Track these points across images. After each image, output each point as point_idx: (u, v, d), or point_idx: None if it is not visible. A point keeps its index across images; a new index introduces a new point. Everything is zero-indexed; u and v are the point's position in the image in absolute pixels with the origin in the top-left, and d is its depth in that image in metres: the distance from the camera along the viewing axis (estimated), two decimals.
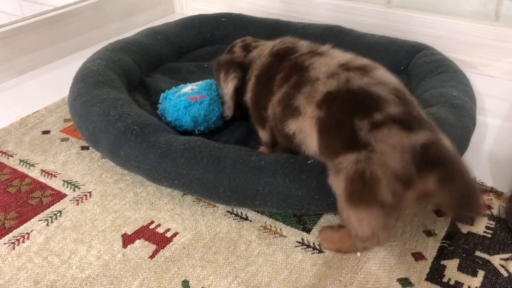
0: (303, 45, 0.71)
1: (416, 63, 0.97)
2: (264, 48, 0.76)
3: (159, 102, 0.84)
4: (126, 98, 0.80)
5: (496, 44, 1.01)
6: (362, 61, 0.63)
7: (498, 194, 0.69)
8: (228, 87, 0.76)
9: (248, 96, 0.73)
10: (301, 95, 0.61)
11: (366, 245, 0.58)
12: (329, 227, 0.64)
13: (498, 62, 1.02)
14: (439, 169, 0.51)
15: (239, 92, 0.76)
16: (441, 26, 1.05)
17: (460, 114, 0.75)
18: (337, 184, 0.55)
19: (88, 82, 0.82)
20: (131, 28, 1.34)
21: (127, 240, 0.64)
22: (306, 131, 0.60)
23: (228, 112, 0.79)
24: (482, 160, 0.77)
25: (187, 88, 0.82)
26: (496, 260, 0.59)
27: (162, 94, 0.84)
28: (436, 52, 0.98)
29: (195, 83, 0.84)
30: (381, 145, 0.52)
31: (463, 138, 0.72)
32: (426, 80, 0.90)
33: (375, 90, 0.56)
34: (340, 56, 0.65)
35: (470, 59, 1.04)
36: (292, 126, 0.62)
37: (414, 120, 0.53)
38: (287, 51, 0.70)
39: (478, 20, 1.03)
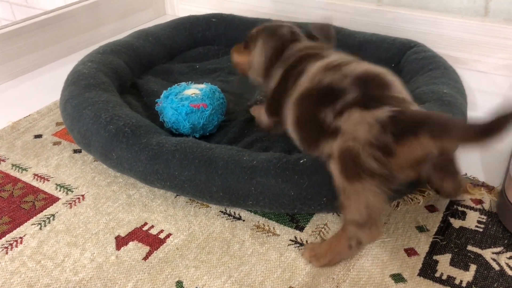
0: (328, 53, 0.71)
1: (407, 60, 0.97)
2: (299, 47, 0.76)
3: (160, 99, 0.82)
4: (118, 100, 0.80)
5: (486, 40, 1.01)
6: (343, 59, 0.67)
7: (489, 188, 0.70)
8: (265, 55, 0.77)
9: (271, 84, 0.75)
10: (290, 98, 0.67)
11: (360, 236, 0.57)
12: (312, 244, 0.62)
13: (489, 58, 1.02)
14: (426, 128, 0.53)
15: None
16: (431, 23, 1.06)
17: (451, 112, 0.75)
18: (334, 167, 0.58)
19: (79, 85, 0.82)
20: (122, 30, 1.34)
21: (121, 242, 0.64)
22: (290, 129, 0.68)
23: (255, 77, 0.80)
24: (473, 155, 0.78)
25: (190, 91, 0.81)
26: (487, 254, 0.59)
27: (165, 91, 0.82)
28: (426, 49, 0.98)
29: (199, 86, 0.83)
30: (347, 125, 0.58)
31: None
32: (417, 77, 0.90)
33: (337, 84, 0.61)
34: (331, 57, 0.69)
35: (460, 55, 1.05)
36: (287, 126, 0.69)
37: (373, 100, 0.58)
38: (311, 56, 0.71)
39: (467, 16, 1.04)
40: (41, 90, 1.05)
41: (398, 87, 0.62)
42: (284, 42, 0.77)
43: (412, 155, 0.55)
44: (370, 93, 0.60)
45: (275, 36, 0.78)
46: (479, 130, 0.51)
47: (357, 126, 0.56)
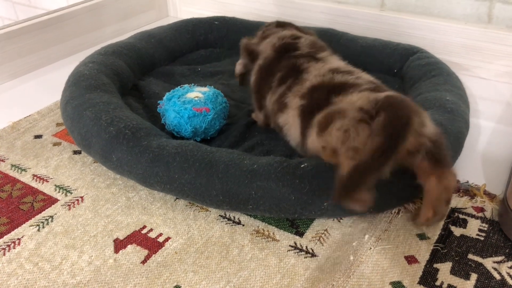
0: (304, 43, 0.78)
1: (409, 66, 0.97)
2: (271, 40, 0.82)
3: (162, 100, 0.82)
4: (119, 102, 0.80)
5: (488, 47, 1.01)
6: (350, 68, 0.72)
7: (491, 196, 0.69)
8: (236, 69, 0.88)
9: (252, 80, 0.81)
10: (290, 93, 0.70)
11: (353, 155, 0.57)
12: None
13: (491, 65, 1.02)
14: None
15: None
16: (434, 29, 1.06)
17: (454, 119, 0.75)
18: (312, 132, 0.64)
19: (80, 86, 0.82)
20: (125, 31, 1.34)
21: (119, 245, 0.63)
22: (289, 121, 0.70)
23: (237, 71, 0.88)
24: (475, 163, 0.77)
25: (193, 94, 0.80)
26: (489, 263, 0.59)
27: (167, 93, 0.82)
28: (429, 55, 0.98)
29: (201, 89, 0.82)
30: (341, 103, 0.63)
31: (456, 143, 0.72)
32: (420, 83, 0.90)
33: (352, 80, 0.67)
34: (334, 62, 0.74)
35: (463, 61, 1.05)
36: (281, 119, 0.72)
37: (377, 88, 0.64)
38: (288, 48, 0.78)
39: (471, 23, 1.04)
40: (42, 90, 1.05)
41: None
42: (254, 44, 0.85)
43: None
44: (375, 90, 0.64)
45: (243, 48, 0.85)
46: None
47: (349, 103, 0.62)
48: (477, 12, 1.03)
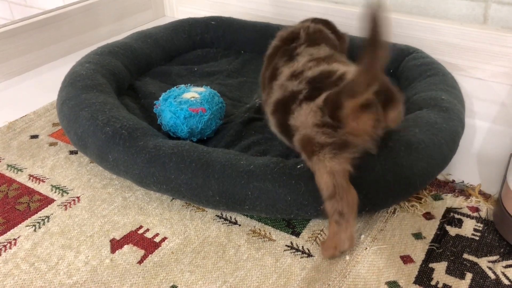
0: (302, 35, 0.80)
1: (405, 66, 0.97)
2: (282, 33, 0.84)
3: (158, 101, 0.82)
4: (115, 102, 0.80)
5: (484, 47, 1.01)
6: (326, 53, 0.75)
7: (486, 196, 0.70)
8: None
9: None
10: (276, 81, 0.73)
11: (337, 206, 0.57)
12: (322, 241, 0.62)
13: (487, 65, 1.02)
14: (345, 96, 0.59)
15: None
16: (430, 29, 1.06)
17: (449, 118, 0.75)
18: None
19: (76, 86, 0.82)
20: (121, 31, 1.34)
21: (116, 245, 0.63)
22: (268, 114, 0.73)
23: None
24: (470, 163, 0.78)
25: (189, 94, 0.80)
26: (483, 262, 0.59)
27: (163, 94, 0.82)
28: (425, 55, 0.99)
29: (198, 90, 0.82)
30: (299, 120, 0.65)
31: (451, 142, 0.72)
32: (415, 83, 0.90)
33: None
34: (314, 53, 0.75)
35: (458, 61, 1.05)
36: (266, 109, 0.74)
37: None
38: (292, 38, 0.80)
39: (466, 23, 1.04)
40: (38, 90, 1.05)
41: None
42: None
43: (353, 123, 0.59)
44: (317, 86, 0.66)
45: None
46: (368, 71, 0.56)
47: (306, 117, 0.63)
48: (473, 12, 1.04)
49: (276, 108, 0.70)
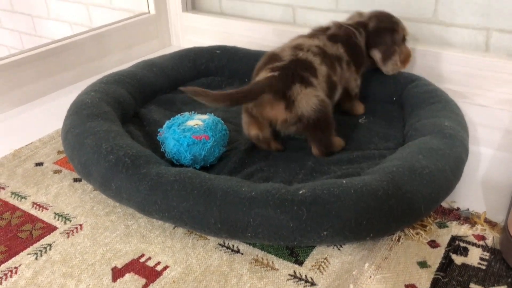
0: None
1: (408, 94, 0.98)
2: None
3: (162, 128, 0.82)
4: (119, 130, 0.80)
5: (487, 74, 1.02)
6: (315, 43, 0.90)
7: (492, 224, 0.69)
8: None
9: None
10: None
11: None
12: None
13: (489, 92, 1.03)
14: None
15: None
16: (433, 57, 1.07)
17: (453, 144, 0.75)
18: None
19: (81, 115, 0.83)
20: (128, 60, 1.36)
21: (117, 273, 0.63)
22: None
23: None
24: (475, 190, 0.77)
25: (193, 122, 0.81)
26: None
27: (167, 121, 0.83)
28: (428, 83, 0.99)
29: (201, 117, 0.83)
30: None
31: (455, 168, 0.72)
32: (419, 111, 0.90)
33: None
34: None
35: (461, 89, 1.06)
36: None
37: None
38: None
39: (469, 51, 1.05)
40: (45, 118, 1.06)
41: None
42: None
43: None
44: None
45: None
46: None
47: None
48: (475, 40, 1.05)
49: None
